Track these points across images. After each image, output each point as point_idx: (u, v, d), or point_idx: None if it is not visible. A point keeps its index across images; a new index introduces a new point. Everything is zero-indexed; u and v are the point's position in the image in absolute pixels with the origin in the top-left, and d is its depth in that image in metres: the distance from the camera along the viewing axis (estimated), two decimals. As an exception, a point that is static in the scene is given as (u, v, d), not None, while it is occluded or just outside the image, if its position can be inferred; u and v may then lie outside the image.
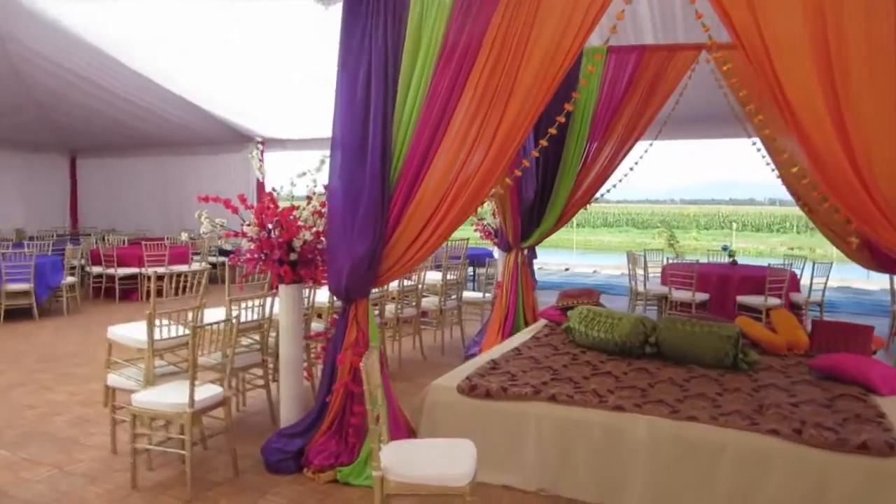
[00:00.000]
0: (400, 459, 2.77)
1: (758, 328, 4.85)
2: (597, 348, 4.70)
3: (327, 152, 3.89)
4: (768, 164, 5.79)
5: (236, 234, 3.99)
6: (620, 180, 6.51)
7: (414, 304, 6.52)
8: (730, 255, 8.91)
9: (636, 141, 6.01)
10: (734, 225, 27.96)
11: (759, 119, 3.42)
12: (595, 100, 5.91)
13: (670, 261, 8.18)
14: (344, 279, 3.63)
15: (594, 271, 17.08)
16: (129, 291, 10.21)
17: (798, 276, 8.21)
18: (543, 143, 4.05)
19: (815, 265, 7.89)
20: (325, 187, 3.89)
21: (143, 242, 10.23)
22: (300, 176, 4.07)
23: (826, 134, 2.82)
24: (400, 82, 3.59)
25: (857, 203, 2.85)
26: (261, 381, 4.84)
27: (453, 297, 7.12)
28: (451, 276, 6.98)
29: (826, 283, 7.85)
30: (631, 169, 6.52)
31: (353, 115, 3.57)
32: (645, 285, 8.39)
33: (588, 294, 5.73)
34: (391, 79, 3.57)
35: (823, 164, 2.89)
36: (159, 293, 4.36)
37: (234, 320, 3.75)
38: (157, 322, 3.98)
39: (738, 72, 3.48)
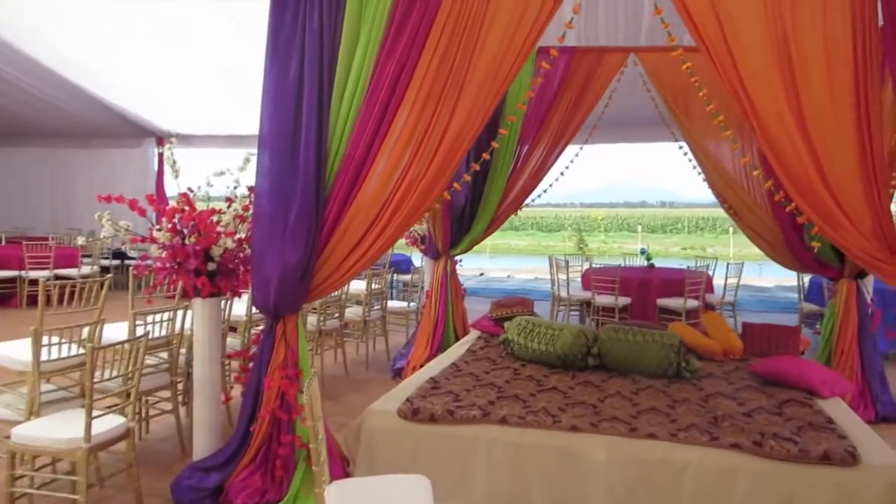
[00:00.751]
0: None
1: (694, 334, 4.82)
2: (538, 361, 4.49)
3: (241, 150, 3.48)
4: (695, 167, 5.84)
5: (144, 240, 3.47)
6: (551, 185, 6.40)
7: (336, 315, 6.10)
8: (647, 259, 9.06)
9: (566, 144, 5.91)
10: (640, 227, 29.07)
11: (721, 120, 3.32)
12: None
13: (592, 265, 8.18)
14: (272, 293, 3.22)
15: (508, 276, 17.15)
16: (6, 297, 9.09)
17: (711, 278, 8.46)
18: (486, 155, 3.82)
19: (728, 266, 8.15)
20: (250, 189, 3.45)
21: (24, 242, 9.12)
22: (218, 175, 3.61)
23: (790, 136, 2.75)
24: (337, 74, 3.23)
25: (820, 204, 2.79)
26: (167, 405, 4.30)
27: (377, 307, 6.76)
28: (376, 286, 6.62)
29: (738, 284, 8.11)
30: (562, 173, 6.42)
31: (284, 109, 3.17)
32: (568, 291, 8.36)
33: (522, 303, 5.54)
34: (327, 69, 3.19)
35: (788, 167, 2.81)
36: (47, 302, 3.74)
37: (141, 339, 3.22)
38: (45, 339, 3.40)
39: (698, 71, 3.39)
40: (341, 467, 3.53)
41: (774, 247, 5.52)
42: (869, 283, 5.34)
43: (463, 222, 6.05)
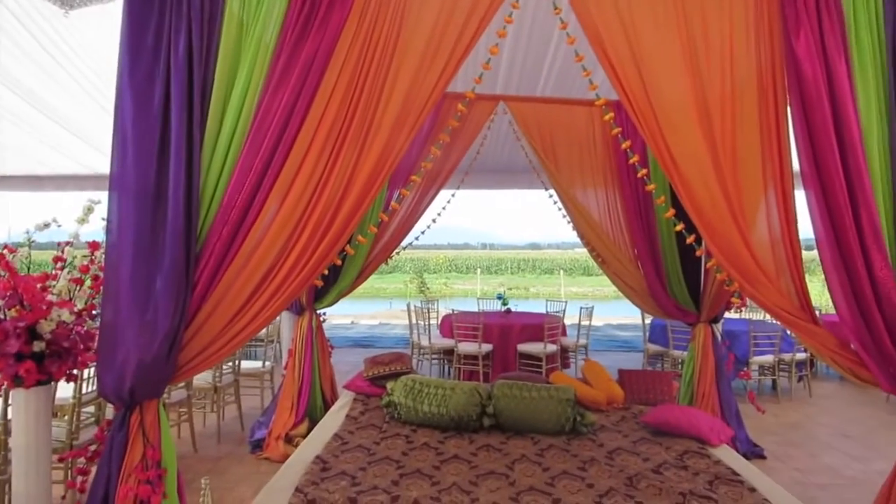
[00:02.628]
0: None
1: (578, 385, 4.74)
2: (428, 424, 4.13)
3: (72, 193, 2.77)
4: (564, 216, 5.91)
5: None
6: (423, 232, 6.13)
7: (182, 385, 5.26)
8: (503, 304, 9.10)
9: (440, 188, 5.69)
10: (478, 270, 29.86)
11: (644, 173, 3.26)
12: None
13: (454, 311, 8.01)
14: (129, 376, 2.54)
15: (352, 322, 16.58)
16: None
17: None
18: (405, 192, 3.44)
19: (581, 308, 8.41)
20: (92, 246, 2.76)
21: None
22: (42, 228, 2.87)
23: (713, 194, 2.72)
24: (211, 107, 2.69)
25: (740, 261, 2.78)
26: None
27: (228, 369, 5.97)
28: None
29: (590, 326, 8.38)
30: (434, 220, 6.18)
31: (145, 146, 2.56)
32: (429, 338, 8.10)
33: (400, 359, 5.15)
34: (198, 99, 2.65)
35: (709, 224, 2.78)
36: None
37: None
38: None
39: (622, 123, 3.33)
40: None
41: (638, 293, 5.70)
42: (718, 328, 5.68)
43: (329, 275, 5.56)
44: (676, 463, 3.52)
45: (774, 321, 8.98)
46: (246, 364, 6.47)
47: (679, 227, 3.30)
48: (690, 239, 3.22)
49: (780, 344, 7.39)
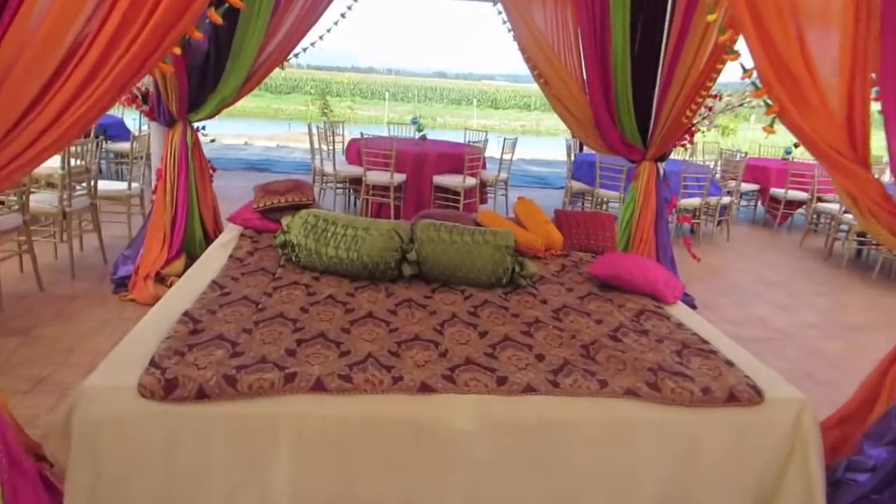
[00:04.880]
0: None
1: (512, 228, 4.03)
2: (335, 271, 3.34)
3: None
4: (510, 30, 4.92)
5: None
6: (313, 43, 4.96)
7: (17, 207, 4.12)
8: (419, 130, 8.14)
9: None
10: (387, 94, 28.01)
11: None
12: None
13: (363, 134, 6.98)
14: None
15: (245, 142, 15.06)
16: None
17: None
18: None
19: (504, 140, 7.61)
20: None
21: None
22: None
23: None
24: None
25: (791, 78, 2.00)
26: None
27: (82, 191, 4.81)
28: (78, 162, 4.65)
29: (512, 159, 7.66)
30: (328, 30, 5.00)
31: None
32: (334, 165, 7.12)
33: (298, 188, 4.21)
34: None
35: (765, 33, 1.92)
36: None
37: None
38: None
39: None
40: (43, 492, 2.08)
41: (581, 123, 4.93)
42: (661, 168, 5.08)
43: (207, 78, 4.35)
44: (634, 326, 2.97)
45: (706, 163, 8.64)
46: (107, 185, 5.29)
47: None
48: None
49: (709, 187, 7.03)
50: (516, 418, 2.24)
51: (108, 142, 8.09)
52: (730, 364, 2.59)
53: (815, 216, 7.65)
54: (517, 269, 3.40)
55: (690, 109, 4.33)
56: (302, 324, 2.68)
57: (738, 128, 18.87)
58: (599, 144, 4.98)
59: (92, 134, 5.65)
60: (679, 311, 3.30)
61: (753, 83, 2.30)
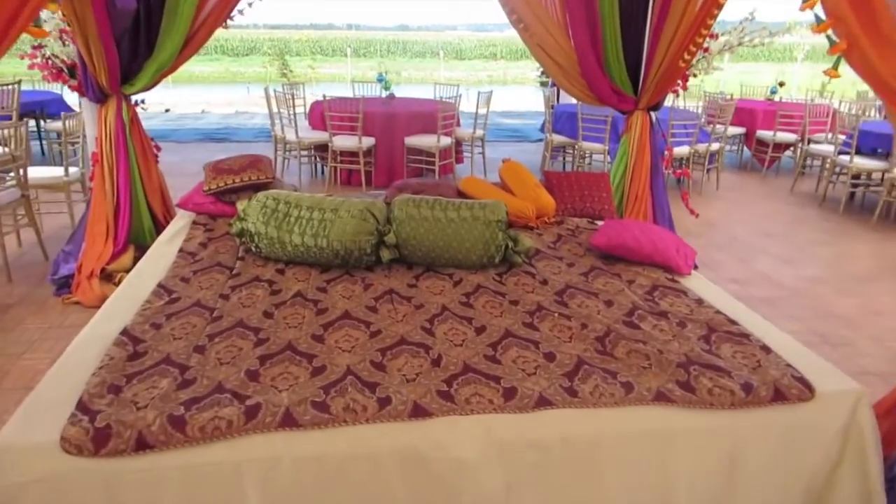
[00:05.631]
0: None
1: (498, 194, 3.60)
2: (302, 262, 2.90)
3: None
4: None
5: None
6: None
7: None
8: (386, 87, 7.57)
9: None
10: (349, 51, 26.90)
11: None
12: None
13: (326, 96, 6.42)
14: None
15: (203, 111, 14.25)
16: None
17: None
18: None
19: (479, 94, 7.10)
20: None
21: None
22: None
23: None
24: None
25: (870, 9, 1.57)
26: None
27: (11, 182, 4.25)
28: (3, 150, 4.08)
29: (488, 114, 7.17)
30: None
31: None
32: (297, 132, 6.57)
33: (255, 164, 3.71)
34: None
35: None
36: None
37: None
38: None
39: None
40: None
41: (567, 72, 4.47)
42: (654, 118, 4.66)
43: (139, 42, 3.78)
44: (650, 307, 2.59)
45: (694, 109, 8.21)
46: (40, 172, 4.71)
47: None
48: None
49: (698, 134, 6.64)
50: (530, 439, 1.86)
51: (48, 120, 7.43)
52: (766, 350, 2.24)
53: (804, 159, 7.33)
54: (511, 245, 2.99)
55: (689, 51, 3.90)
56: (265, 334, 2.26)
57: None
58: (586, 95, 4.53)
59: (14, 116, 5.01)
60: (694, 282, 2.94)
61: (816, 15, 1.89)
